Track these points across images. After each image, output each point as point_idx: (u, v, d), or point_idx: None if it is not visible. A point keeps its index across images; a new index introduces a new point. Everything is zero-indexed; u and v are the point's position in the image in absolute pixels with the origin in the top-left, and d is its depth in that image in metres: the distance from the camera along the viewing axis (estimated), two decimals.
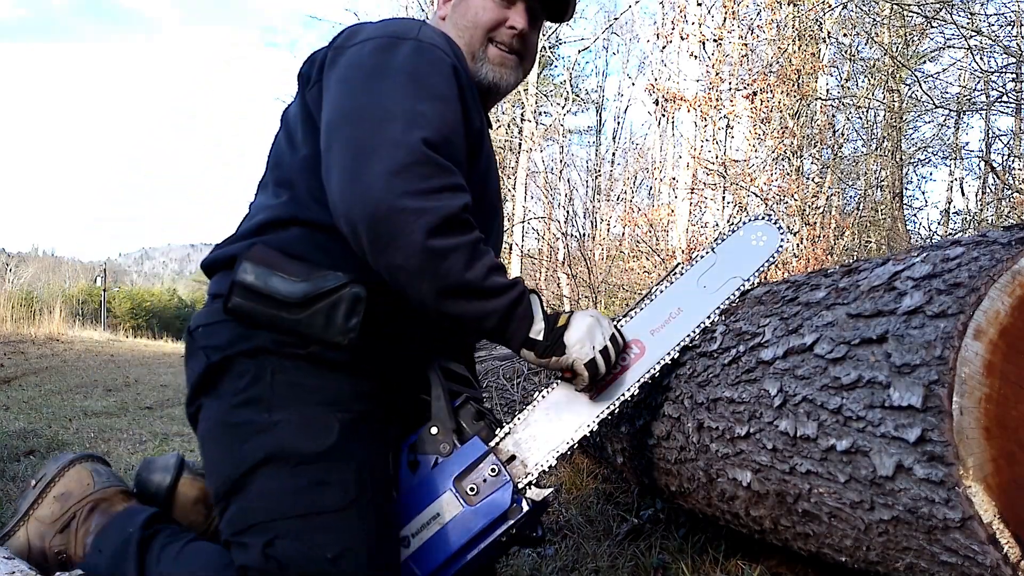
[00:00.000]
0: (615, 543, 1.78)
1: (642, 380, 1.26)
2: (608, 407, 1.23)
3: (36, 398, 5.06)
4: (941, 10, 6.01)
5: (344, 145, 1.08)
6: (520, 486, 1.19)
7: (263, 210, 1.22)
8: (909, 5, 6.42)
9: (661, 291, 1.33)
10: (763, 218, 1.37)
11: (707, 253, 1.37)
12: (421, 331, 1.24)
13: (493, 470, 1.16)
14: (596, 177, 18.73)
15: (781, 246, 1.33)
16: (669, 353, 1.29)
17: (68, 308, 16.89)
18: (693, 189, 8.84)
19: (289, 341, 1.12)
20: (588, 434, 1.23)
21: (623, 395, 1.24)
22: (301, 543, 1.05)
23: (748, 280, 1.34)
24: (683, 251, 8.10)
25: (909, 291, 0.94)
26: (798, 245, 6.90)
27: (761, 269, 1.34)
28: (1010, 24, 7.73)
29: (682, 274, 1.35)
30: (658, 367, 1.28)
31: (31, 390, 5.52)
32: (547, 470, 1.22)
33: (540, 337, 1.15)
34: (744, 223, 1.38)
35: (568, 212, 13.35)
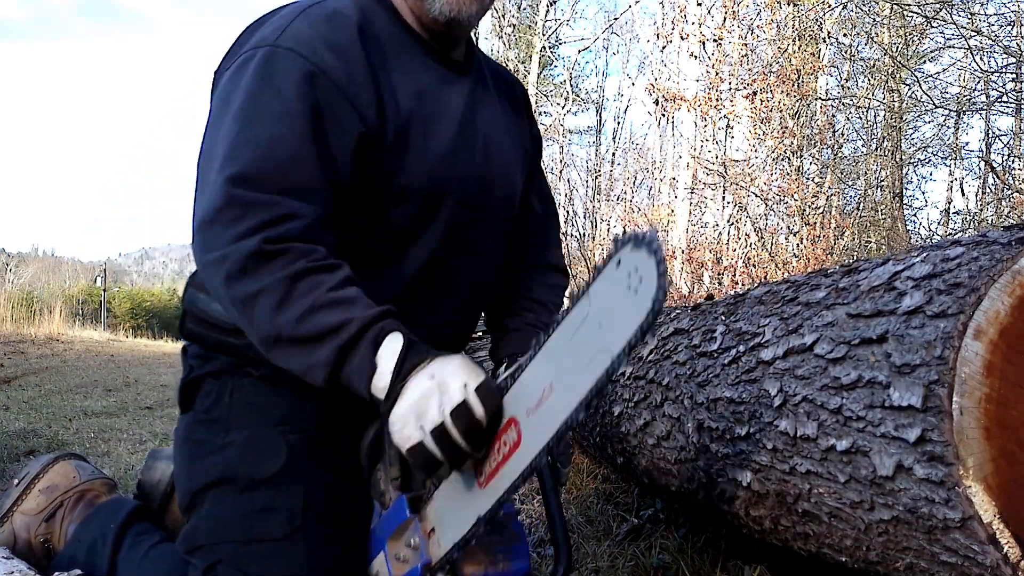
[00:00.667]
0: (615, 543, 1.78)
1: (515, 483, 0.87)
2: (489, 508, 0.88)
3: (36, 398, 5.06)
4: (941, 10, 6.02)
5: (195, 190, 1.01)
6: (434, 568, 0.94)
7: None
8: (909, 5, 6.42)
9: (535, 354, 0.89)
10: (643, 241, 0.79)
11: (581, 297, 0.89)
12: None
13: (414, 543, 0.96)
14: (596, 177, 18.73)
15: (659, 297, 0.76)
16: (542, 451, 0.86)
17: (68, 308, 16.88)
18: (693, 189, 8.85)
19: (244, 362, 1.09)
20: (472, 538, 0.91)
21: (501, 494, 0.87)
22: (242, 570, 1.03)
23: (619, 358, 0.80)
24: (683, 251, 8.11)
25: (909, 291, 0.93)
26: (798, 245, 6.90)
27: (634, 341, 0.78)
28: (1010, 24, 7.73)
29: (556, 327, 0.89)
30: (531, 468, 0.86)
31: (31, 390, 5.51)
32: (455, 560, 0.93)
33: (382, 396, 0.88)
34: (620, 247, 0.83)
35: (568, 212, 13.35)
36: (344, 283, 0.92)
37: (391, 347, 0.88)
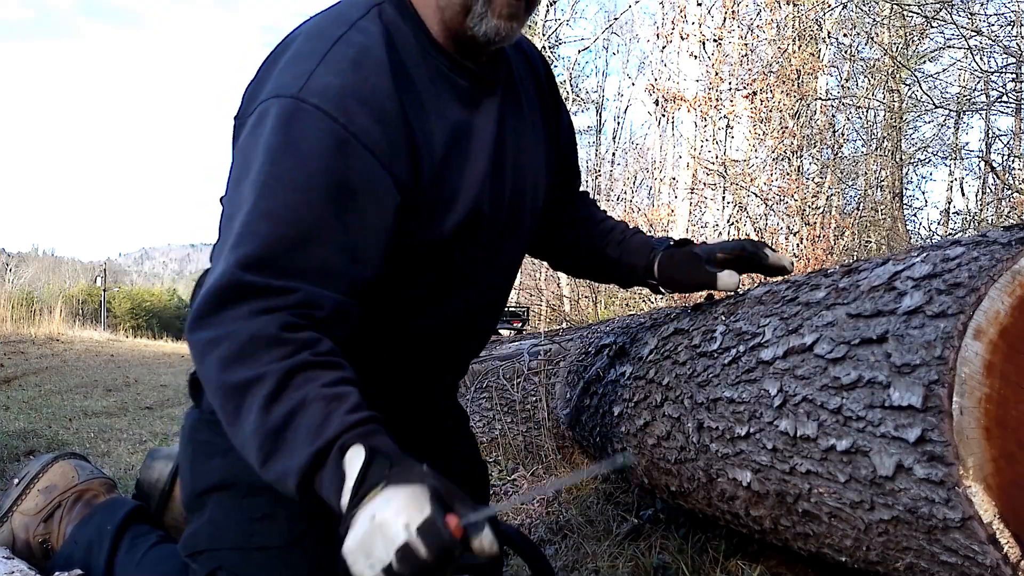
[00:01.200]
0: (615, 543, 1.78)
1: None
2: None
3: (36, 398, 5.05)
4: (941, 10, 6.02)
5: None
6: None
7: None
8: (909, 5, 6.42)
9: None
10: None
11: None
12: (389, 368, 1.09)
13: None
14: (596, 177, 18.73)
15: None
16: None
17: (68, 308, 16.88)
18: (693, 189, 8.84)
19: None
20: None
21: None
22: None
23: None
24: None
25: (909, 291, 0.93)
26: (798, 245, 6.90)
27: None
28: (1010, 24, 7.73)
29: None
30: None
31: (31, 390, 5.51)
32: None
33: (343, 511, 0.81)
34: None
35: None
36: (337, 382, 0.86)
37: (355, 463, 0.81)
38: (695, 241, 1.39)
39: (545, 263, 1.51)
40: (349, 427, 0.83)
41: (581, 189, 1.48)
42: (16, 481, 1.42)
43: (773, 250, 1.33)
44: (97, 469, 1.47)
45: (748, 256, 1.31)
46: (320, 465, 0.82)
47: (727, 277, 1.30)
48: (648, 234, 1.41)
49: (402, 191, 0.97)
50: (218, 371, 0.84)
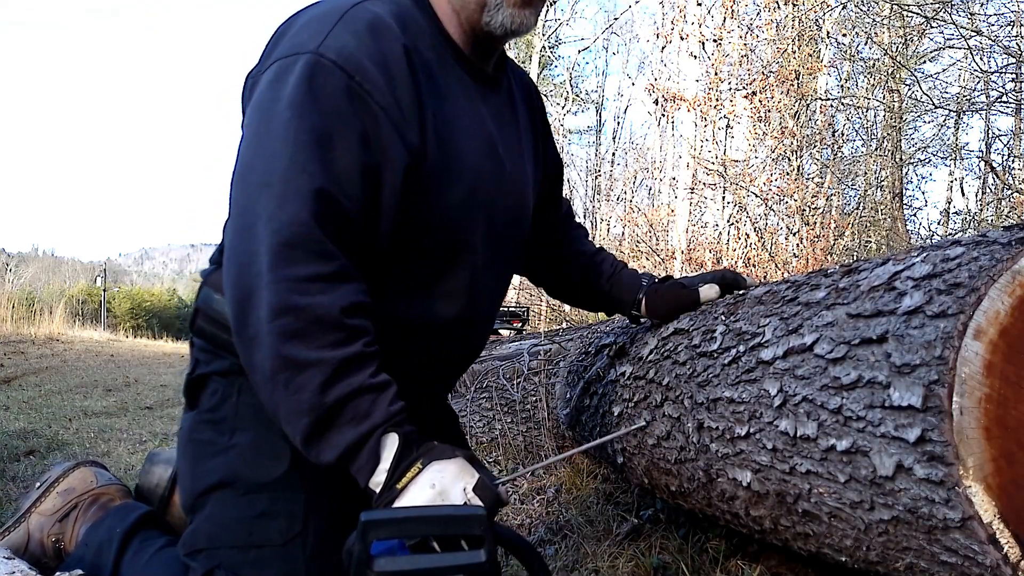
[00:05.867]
0: (615, 543, 1.78)
1: None
2: None
3: (36, 398, 5.06)
4: (941, 10, 6.01)
5: (233, 210, 0.98)
6: None
7: (225, 232, 1.12)
8: (909, 5, 6.41)
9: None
10: None
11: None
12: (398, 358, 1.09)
13: None
14: (596, 177, 18.74)
15: None
16: None
17: (68, 308, 16.88)
18: (693, 189, 8.84)
19: None
20: None
21: None
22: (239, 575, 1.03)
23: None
24: (683, 251, 8.10)
25: (909, 291, 0.93)
26: (798, 245, 6.90)
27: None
28: (1010, 24, 7.72)
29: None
30: None
31: (31, 390, 5.51)
32: None
33: (377, 490, 0.92)
34: None
35: None
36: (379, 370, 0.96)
37: (391, 444, 0.93)
38: (676, 276, 1.54)
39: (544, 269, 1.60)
40: (390, 417, 0.94)
41: (577, 221, 1.61)
42: (38, 484, 1.45)
43: (748, 279, 1.49)
44: (115, 477, 1.51)
45: (728, 284, 1.45)
46: (361, 447, 0.93)
47: (707, 290, 1.43)
48: (634, 270, 1.54)
49: (411, 155, 1.00)
50: (278, 341, 0.90)
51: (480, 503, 0.92)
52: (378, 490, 0.92)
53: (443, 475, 0.92)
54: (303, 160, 0.92)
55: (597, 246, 1.57)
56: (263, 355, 0.91)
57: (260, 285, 0.91)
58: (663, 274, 1.64)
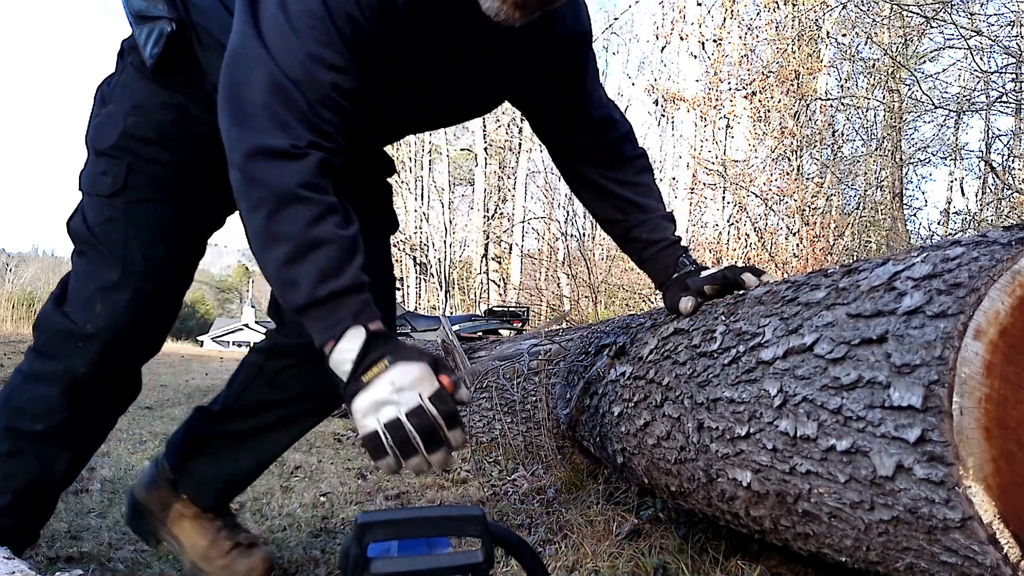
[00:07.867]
0: (615, 543, 1.78)
1: None
2: None
3: None
4: (941, 10, 6.01)
5: (223, 87, 1.07)
6: None
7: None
8: (909, 5, 6.41)
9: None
10: None
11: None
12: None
13: None
14: None
15: None
16: None
17: None
18: (693, 189, 8.85)
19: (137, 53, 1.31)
20: None
21: None
22: (84, 214, 1.34)
23: None
24: None
25: (909, 291, 0.93)
26: (798, 245, 6.90)
27: None
28: (1010, 24, 7.73)
29: None
30: None
31: None
32: None
33: (344, 379, 0.98)
34: None
35: (568, 212, 13.34)
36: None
37: (356, 338, 0.98)
38: (708, 266, 1.53)
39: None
40: (357, 286, 1.01)
41: (641, 154, 1.57)
42: None
43: (761, 272, 1.46)
44: None
45: (730, 283, 1.46)
46: (323, 305, 0.99)
47: (684, 302, 1.46)
48: (671, 247, 1.53)
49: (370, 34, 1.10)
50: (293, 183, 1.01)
51: (433, 409, 0.95)
52: (345, 379, 0.97)
53: (404, 377, 0.95)
54: (289, 30, 1.04)
55: (648, 198, 1.54)
56: (268, 203, 1.01)
57: (258, 64, 1.03)
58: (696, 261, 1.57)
